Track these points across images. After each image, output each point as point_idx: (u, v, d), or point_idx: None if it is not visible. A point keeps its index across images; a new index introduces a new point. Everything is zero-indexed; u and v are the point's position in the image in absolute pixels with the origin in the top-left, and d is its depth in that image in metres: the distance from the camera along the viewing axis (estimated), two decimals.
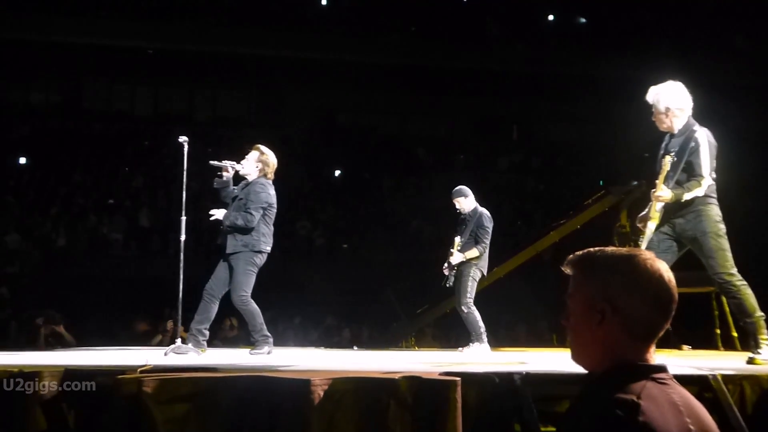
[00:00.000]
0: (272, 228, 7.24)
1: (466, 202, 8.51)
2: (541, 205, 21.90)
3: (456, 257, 8.28)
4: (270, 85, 24.41)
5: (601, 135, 24.44)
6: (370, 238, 20.12)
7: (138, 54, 23.01)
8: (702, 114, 5.78)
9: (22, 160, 21.70)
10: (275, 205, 7.24)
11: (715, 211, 5.57)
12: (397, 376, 3.99)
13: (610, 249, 2.10)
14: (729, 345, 8.47)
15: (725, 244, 5.52)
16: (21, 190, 20.13)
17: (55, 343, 10.79)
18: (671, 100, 5.67)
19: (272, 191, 7.23)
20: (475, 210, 8.44)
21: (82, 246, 18.58)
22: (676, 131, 5.69)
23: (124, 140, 23.08)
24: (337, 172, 23.99)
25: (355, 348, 10.97)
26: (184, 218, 6.96)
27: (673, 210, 5.61)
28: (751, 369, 4.91)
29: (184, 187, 6.98)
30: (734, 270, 5.48)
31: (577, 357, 2.11)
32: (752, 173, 18.33)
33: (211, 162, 7.19)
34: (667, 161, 5.56)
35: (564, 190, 21.79)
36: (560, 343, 12.90)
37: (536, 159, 25.54)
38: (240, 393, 3.93)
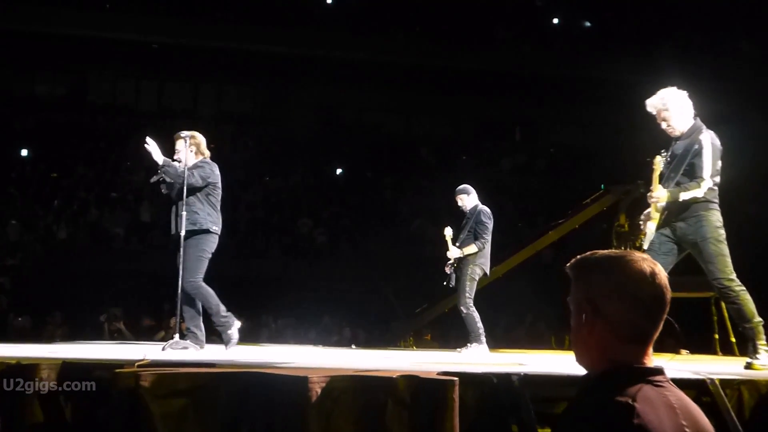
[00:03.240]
0: (219, 212, 7.13)
1: (468, 199, 8.59)
2: (544, 207, 21.84)
3: (453, 251, 8.31)
4: (274, 82, 24.39)
5: (605, 138, 24.40)
6: (372, 237, 20.10)
7: (143, 48, 22.99)
8: (705, 118, 5.78)
9: (25, 152, 21.70)
10: (220, 186, 7.14)
11: (716, 217, 5.58)
12: (395, 375, 3.98)
13: (601, 252, 2.10)
14: (727, 350, 8.48)
15: (725, 249, 5.53)
16: (23, 182, 20.13)
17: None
18: (671, 104, 5.68)
19: (216, 170, 7.13)
20: (475, 207, 8.51)
21: (83, 239, 18.59)
22: (679, 134, 5.70)
23: (127, 134, 23.06)
24: (339, 171, 23.97)
25: (353, 347, 10.98)
26: (184, 213, 6.89)
27: (675, 213, 5.62)
28: (750, 374, 4.92)
29: (185, 182, 6.91)
30: (733, 275, 5.50)
31: (577, 358, 2.12)
32: (754, 179, 18.29)
33: (152, 180, 7.14)
34: (658, 160, 5.62)
35: (567, 193, 21.72)
36: (558, 345, 12.92)
37: (540, 161, 25.50)
38: (238, 389, 3.93)
